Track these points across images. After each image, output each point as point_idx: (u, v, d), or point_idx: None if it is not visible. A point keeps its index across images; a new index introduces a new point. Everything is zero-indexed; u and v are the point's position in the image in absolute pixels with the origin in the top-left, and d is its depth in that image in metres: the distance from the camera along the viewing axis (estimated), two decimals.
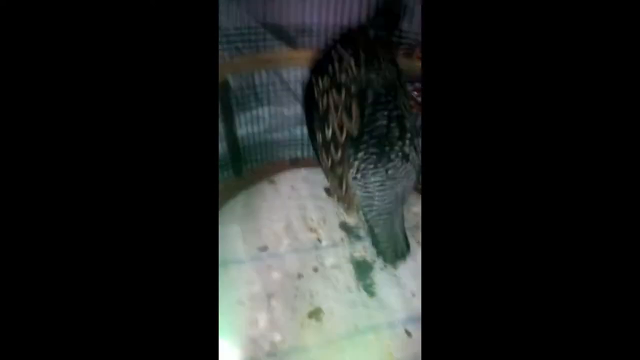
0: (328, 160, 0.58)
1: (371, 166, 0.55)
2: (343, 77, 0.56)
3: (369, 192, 0.57)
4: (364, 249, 0.68)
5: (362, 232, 0.70)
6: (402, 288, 0.62)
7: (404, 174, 0.56)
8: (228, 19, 0.61)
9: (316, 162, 0.84)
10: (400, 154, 0.56)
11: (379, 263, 0.65)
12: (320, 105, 0.58)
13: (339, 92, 0.56)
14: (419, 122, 0.61)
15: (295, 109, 0.77)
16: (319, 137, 0.59)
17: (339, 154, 0.56)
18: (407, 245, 0.63)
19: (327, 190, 0.79)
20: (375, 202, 0.57)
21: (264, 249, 0.66)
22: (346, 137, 0.55)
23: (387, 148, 0.55)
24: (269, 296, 0.59)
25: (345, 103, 0.55)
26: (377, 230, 0.60)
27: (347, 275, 0.63)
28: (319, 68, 0.60)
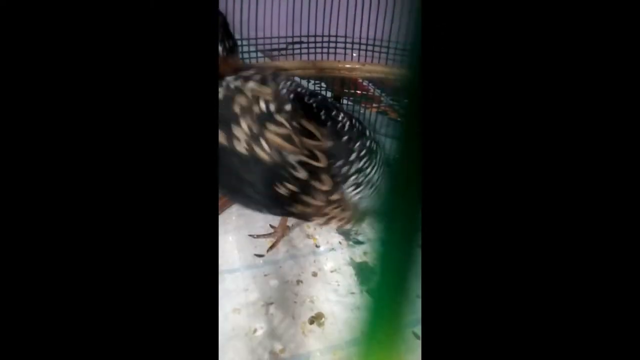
0: (317, 197, 0.45)
1: (367, 163, 0.48)
2: (266, 105, 0.41)
3: (373, 189, 0.50)
4: (365, 254, 0.65)
5: (362, 237, 0.68)
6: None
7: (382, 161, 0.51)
8: None
9: None
10: (375, 143, 0.50)
11: None
12: (268, 153, 0.40)
13: (276, 123, 0.40)
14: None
15: None
16: (285, 189, 0.42)
17: (327, 179, 0.44)
18: None
19: None
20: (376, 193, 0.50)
21: (260, 257, 0.63)
22: (325, 155, 0.43)
23: (367, 141, 0.48)
24: (267, 304, 0.55)
25: (294, 126, 0.41)
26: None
27: (348, 279, 0.60)
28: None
